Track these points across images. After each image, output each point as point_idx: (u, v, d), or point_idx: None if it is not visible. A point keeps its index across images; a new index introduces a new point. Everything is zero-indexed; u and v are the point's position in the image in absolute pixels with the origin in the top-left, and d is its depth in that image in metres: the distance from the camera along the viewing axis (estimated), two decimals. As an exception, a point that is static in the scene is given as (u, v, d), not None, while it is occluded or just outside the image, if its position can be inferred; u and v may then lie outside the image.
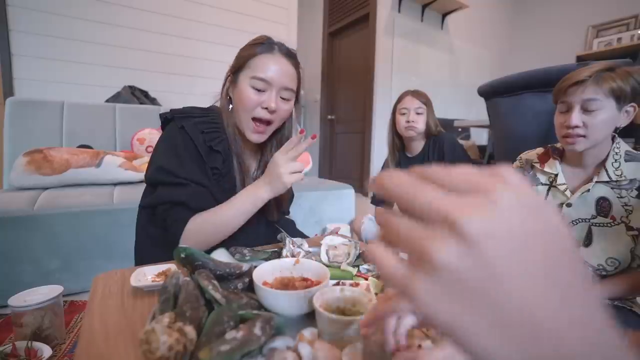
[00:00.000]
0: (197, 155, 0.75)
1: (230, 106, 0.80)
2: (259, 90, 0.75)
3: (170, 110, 0.79)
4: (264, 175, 0.73)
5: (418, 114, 1.43)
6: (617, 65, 0.76)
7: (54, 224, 1.27)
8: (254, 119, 0.77)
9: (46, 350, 0.91)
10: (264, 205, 0.87)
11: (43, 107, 1.75)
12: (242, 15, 2.56)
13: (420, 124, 1.43)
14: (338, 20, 4.00)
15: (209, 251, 0.61)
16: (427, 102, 1.45)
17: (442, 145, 1.43)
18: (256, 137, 0.78)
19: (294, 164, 0.72)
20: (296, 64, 0.80)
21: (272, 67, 0.74)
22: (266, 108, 0.75)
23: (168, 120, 0.79)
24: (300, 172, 0.73)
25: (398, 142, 1.56)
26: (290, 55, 0.79)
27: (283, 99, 0.77)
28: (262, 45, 0.76)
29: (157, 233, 0.78)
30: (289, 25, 2.81)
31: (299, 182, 0.73)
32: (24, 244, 1.23)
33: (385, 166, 1.65)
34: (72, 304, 1.28)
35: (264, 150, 0.88)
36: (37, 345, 0.91)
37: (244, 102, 0.75)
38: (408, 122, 1.43)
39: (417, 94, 1.46)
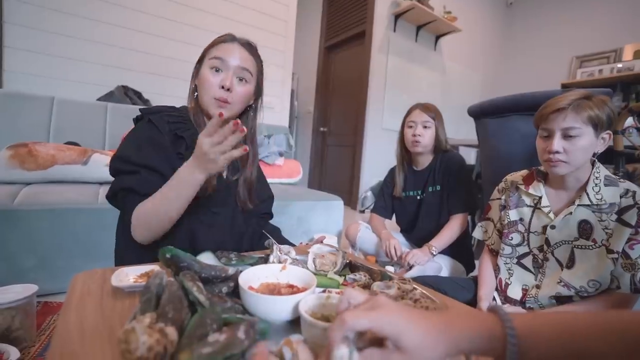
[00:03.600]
0: (163, 142, 0.78)
1: (196, 94, 0.85)
2: (216, 71, 0.80)
3: (140, 109, 0.85)
4: (193, 158, 0.67)
5: (425, 127, 1.40)
6: (593, 94, 0.80)
7: (33, 220, 1.22)
8: (215, 99, 0.81)
9: (13, 353, 0.86)
10: (235, 195, 0.88)
11: (32, 101, 1.72)
12: (241, 24, 2.59)
13: (427, 138, 1.40)
14: (335, 35, 4.08)
15: (195, 254, 0.60)
16: (436, 116, 1.42)
17: (451, 165, 1.40)
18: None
19: (220, 145, 0.63)
20: (254, 54, 0.86)
21: (229, 50, 0.81)
22: (222, 87, 0.79)
23: (139, 119, 0.84)
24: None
25: (406, 155, 1.52)
26: (250, 46, 0.85)
27: (240, 79, 0.82)
28: (224, 37, 0.84)
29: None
30: (287, 37, 2.85)
31: (238, 157, 0.66)
32: (0, 240, 1.18)
33: (389, 176, 1.59)
34: (46, 305, 1.23)
35: None
36: (4, 347, 0.86)
37: (203, 84, 0.80)
38: (414, 135, 1.40)
39: (426, 108, 1.42)
